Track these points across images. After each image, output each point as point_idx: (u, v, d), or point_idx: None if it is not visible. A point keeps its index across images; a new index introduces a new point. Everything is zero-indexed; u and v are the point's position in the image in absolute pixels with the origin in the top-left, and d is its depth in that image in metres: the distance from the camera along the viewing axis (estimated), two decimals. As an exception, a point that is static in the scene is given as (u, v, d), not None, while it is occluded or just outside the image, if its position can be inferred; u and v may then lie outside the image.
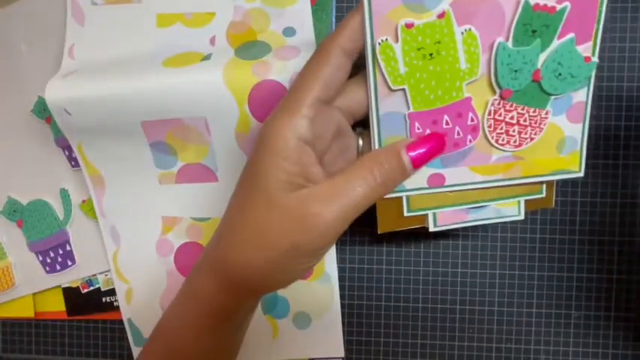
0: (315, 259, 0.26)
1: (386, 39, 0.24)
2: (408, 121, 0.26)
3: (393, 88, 0.25)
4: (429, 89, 0.26)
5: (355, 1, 0.37)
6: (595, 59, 0.25)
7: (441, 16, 0.24)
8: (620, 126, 0.36)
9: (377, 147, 0.27)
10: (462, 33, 0.25)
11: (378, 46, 0.24)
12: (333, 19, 0.37)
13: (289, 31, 0.36)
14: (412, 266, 0.38)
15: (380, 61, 0.25)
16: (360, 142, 0.29)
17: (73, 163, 0.40)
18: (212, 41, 0.36)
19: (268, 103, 0.33)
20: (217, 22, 0.37)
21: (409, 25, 0.24)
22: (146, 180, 0.38)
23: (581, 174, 0.28)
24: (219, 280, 0.27)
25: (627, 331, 0.37)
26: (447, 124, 0.27)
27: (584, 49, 0.25)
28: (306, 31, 0.36)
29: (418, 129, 0.27)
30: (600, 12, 0.24)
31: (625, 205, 0.37)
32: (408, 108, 0.26)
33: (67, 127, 0.36)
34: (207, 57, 0.34)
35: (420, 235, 0.38)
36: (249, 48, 0.35)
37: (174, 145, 0.36)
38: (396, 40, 0.24)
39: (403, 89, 0.26)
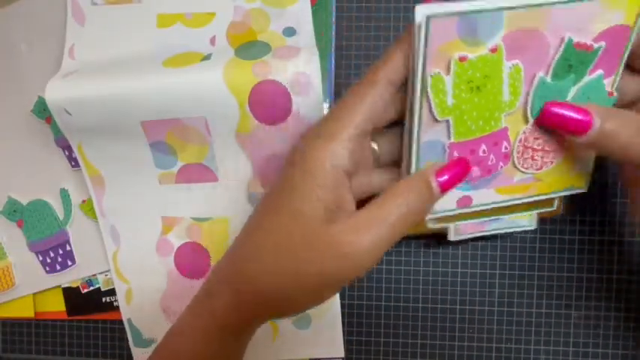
0: (342, 288, 0.26)
1: (438, 72, 0.24)
2: (447, 150, 0.27)
3: (439, 119, 0.25)
4: (471, 120, 0.26)
5: (355, 1, 0.37)
6: (616, 94, 0.26)
7: (494, 50, 0.24)
8: (620, 126, 0.36)
9: (414, 172, 0.27)
10: (510, 67, 0.25)
11: (429, 79, 0.24)
12: (333, 19, 0.37)
13: (289, 31, 0.36)
14: (412, 266, 0.38)
15: (429, 93, 0.24)
16: (375, 146, 0.29)
17: (73, 163, 0.40)
18: (212, 41, 0.36)
19: (268, 103, 0.33)
20: (217, 22, 0.37)
21: (463, 59, 0.24)
22: (146, 180, 0.38)
23: (585, 189, 0.30)
24: (243, 304, 0.27)
25: (627, 331, 0.37)
26: (484, 152, 0.27)
27: (608, 84, 0.26)
28: (306, 31, 0.36)
29: (455, 157, 0.27)
30: (626, 49, 0.25)
31: (625, 206, 0.37)
32: (449, 138, 0.26)
33: (67, 127, 0.36)
34: (207, 57, 0.34)
35: (420, 235, 0.38)
36: (249, 48, 0.35)
37: (174, 145, 0.36)
38: (448, 73, 0.24)
39: (447, 120, 0.26)
